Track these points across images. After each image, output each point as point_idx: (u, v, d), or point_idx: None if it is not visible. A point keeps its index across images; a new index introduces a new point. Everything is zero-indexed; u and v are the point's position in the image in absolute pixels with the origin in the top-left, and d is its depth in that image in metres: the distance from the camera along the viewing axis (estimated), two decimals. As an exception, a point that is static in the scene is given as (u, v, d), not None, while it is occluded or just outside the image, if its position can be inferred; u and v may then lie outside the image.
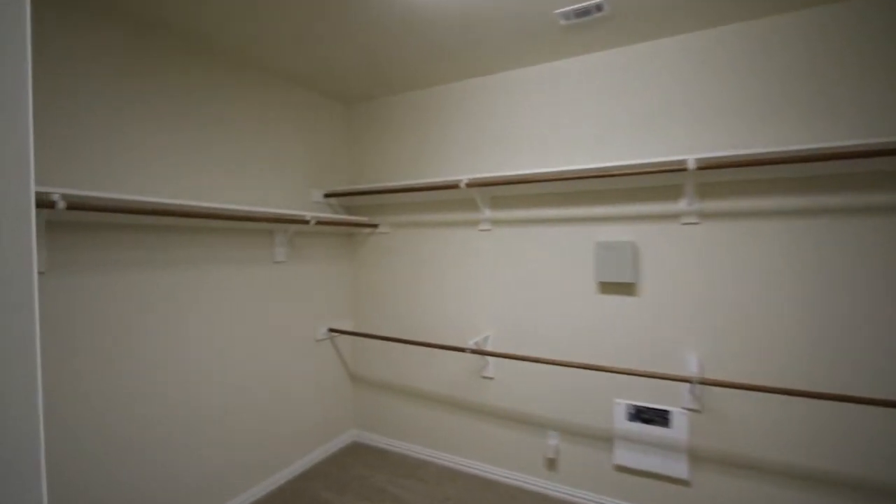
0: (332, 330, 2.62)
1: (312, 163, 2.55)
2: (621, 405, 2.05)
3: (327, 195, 2.59)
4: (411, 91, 2.57)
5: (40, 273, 1.47)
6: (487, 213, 2.33)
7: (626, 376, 2.02)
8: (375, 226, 2.69)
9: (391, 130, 2.66)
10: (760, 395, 1.78)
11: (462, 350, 2.18)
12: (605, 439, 2.09)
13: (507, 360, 2.28)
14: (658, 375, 1.79)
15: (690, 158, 1.66)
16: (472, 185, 2.10)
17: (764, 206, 1.76)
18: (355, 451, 2.69)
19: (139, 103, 1.75)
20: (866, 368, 1.63)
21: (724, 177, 1.79)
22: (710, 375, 1.86)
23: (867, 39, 1.60)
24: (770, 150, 1.55)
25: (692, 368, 1.87)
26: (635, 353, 2.02)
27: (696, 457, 1.91)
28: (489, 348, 2.34)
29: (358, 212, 2.80)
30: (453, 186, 2.13)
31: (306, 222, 2.17)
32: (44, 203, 1.30)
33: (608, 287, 2.06)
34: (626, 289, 2.03)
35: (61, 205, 1.31)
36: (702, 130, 1.85)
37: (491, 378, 2.37)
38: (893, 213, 1.57)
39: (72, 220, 1.54)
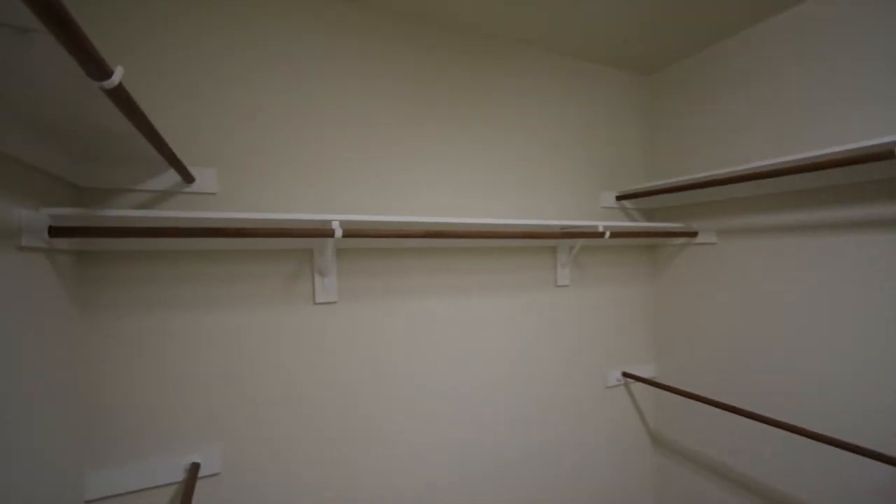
0: (627, 375, 1.97)
1: (600, 157, 1.99)
2: None
3: (621, 196, 1.98)
4: (732, 35, 1.68)
5: (332, 303, 1.43)
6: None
7: None
8: (693, 234, 1.89)
9: (704, 100, 1.82)
10: None
11: (882, 458, 1.16)
12: None
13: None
14: None
15: None
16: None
17: None
18: (663, 548, 1.93)
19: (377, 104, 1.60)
20: None
21: None
22: None
23: None
24: None
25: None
26: None
27: None
28: (959, 463, 1.20)
29: (661, 216, 2.07)
30: (879, 155, 1.16)
31: (600, 235, 1.61)
32: (324, 232, 1.20)
33: None
34: None
35: (339, 232, 1.19)
36: None
37: None
38: None
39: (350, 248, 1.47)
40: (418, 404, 1.58)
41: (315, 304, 1.41)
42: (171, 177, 1.24)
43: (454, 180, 1.66)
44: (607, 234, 1.61)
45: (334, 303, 1.45)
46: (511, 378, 1.75)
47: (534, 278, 1.80)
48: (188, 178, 1.22)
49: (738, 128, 1.74)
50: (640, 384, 2.06)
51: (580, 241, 1.73)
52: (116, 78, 0.64)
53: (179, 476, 1.24)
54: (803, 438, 1.52)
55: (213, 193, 1.30)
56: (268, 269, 1.36)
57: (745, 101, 1.71)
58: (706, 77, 1.85)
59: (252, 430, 1.33)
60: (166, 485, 1.24)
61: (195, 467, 1.23)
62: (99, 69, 0.60)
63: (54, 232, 0.94)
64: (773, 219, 1.62)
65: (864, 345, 1.39)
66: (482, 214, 1.71)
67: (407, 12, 1.55)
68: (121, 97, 0.69)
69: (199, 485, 1.27)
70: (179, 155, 1.26)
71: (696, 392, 1.88)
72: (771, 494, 1.65)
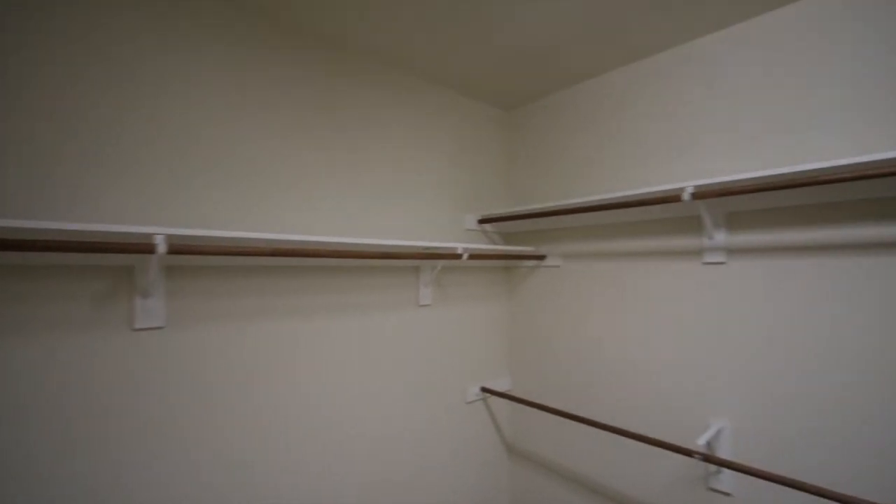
0: (485, 390, 2.07)
1: (465, 182, 2.10)
2: None
3: (483, 220, 2.10)
4: (588, 79, 1.94)
5: (158, 328, 1.24)
6: (720, 237, 1.53)
7: None
8: (542, 257, 2.09)
9: (558, 135, 2.06)
10: None
11: (686, 453, 1.40)
12: None
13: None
14: None
15: None
16: (703, 195, 1.35)
17: None
18: (515, 553, 2.04)
19: (252, 115, 1.51)
20: None
21: None
22: None
23: None
24: None
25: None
26: None
27: None
28: (724, 449, 1.50)
29: (517, 240, 2.25)
30: (671, 199, 1.41)
31: (458, 256, 1.68)
32: (144, 247, 1.04)
33: None
34: None
35: (162, 248, 1.04)
36: None
37: (726, 494, 1.51)
38: None
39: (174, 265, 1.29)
40: (271, 434, 1.44)
41: (133, 329, 1.21)
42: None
43: (321, 199, 1.59)
44: (465, 255, 1.69)
45: (160, 328, 1.25)
46: (375, 397, 1.71)
47: (397, 298, 1.80)
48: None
49: (585, 163, 1.98)
50: (497, 398, 2.18)
51: (441, 262, 1.78)
52: None
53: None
54: (628, 440, 1.75)
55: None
56: (73, 289, 1.13)
57: (588, 142, 1.96)
58: (558, 116, 2.08)
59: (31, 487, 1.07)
60: None
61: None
62: None
63: None
64: (606, 245, 1.87)
65: (674, 351, 1.66)
66: (346, 233, 1.66)
67: (267, 21, 1.47)
68: None
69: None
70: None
71: (545, 402, 2.05)
72: (607, 492, 1.86)
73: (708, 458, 1.36)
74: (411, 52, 1.71)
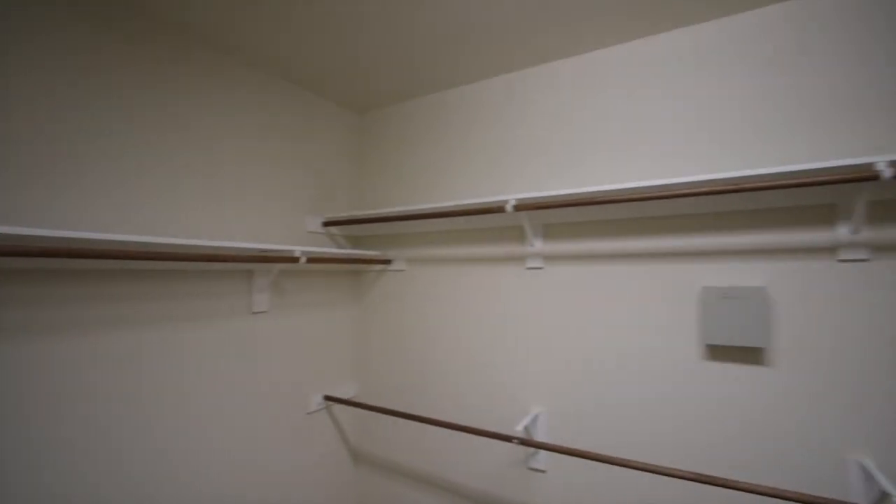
0: (328, 398, 2.00)
1: (310, 183, 2.01)
2: (745, 528, 1.38)
3: (327, 223, 2.03)
4: (441, 91, 2.04)
5: None
6: (539, 245, 1.74)
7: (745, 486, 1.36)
8: (388, 262, 2.11)
9: (410, 142, 2.12)
10: None
11: (506, 439, 1.55)
12: (722, 578, 1.41)
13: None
14: (809, 499, 1.14)
15: (882, 161, 1.07)
16: (524, 207, 1.52)
17: None
18: (357, 562, 2.01)
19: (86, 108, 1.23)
20: None
21: (913, 191, 1.19)
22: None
23: None
24: None
25: (866, 481, 1.21)
26: (767, 453, 1.36)
27: None
28: (540, 432, 1.70)
29: (367, 244, 2.23)
30: (496, 209, 1.56)
31: (295, 260, 1.59)
32: None
33: (722, 353, 1.44)
34: (750, 356, 1.40)
35: None
36: (870, 127, 1.27)
37: (542, 471, 1.72)
38: None
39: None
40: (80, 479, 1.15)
41: None
42: None
43: (146, 197, 1.34)
44: (304, 259, 1.61)
45: None
46: (206, 417, 1.50)
47: (226, 305, 1.63)
48: None
49: (434, 171, 2.06)
50: (341, 405, 2.12)
51: (278, 266, 1.67)
52: None
53: None
54: (461, 433, 1.86)
55: None
56: None
57: (443, 149, 2.05)
58: (410, 123, 2.13)
59: None
60: None
61: None
62: None
63: None
64: (446, 251, 1.97)
65: (501, 348, 1.82)
66: (173, 234, 1.44)
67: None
68: None
69: None
70: None
71: (392, 405, 2.07)
72: (446, 485, 1.94)
73: (524, 442, 1.52)
74: (258, 45, 1.57)
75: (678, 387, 1.49)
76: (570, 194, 1.47)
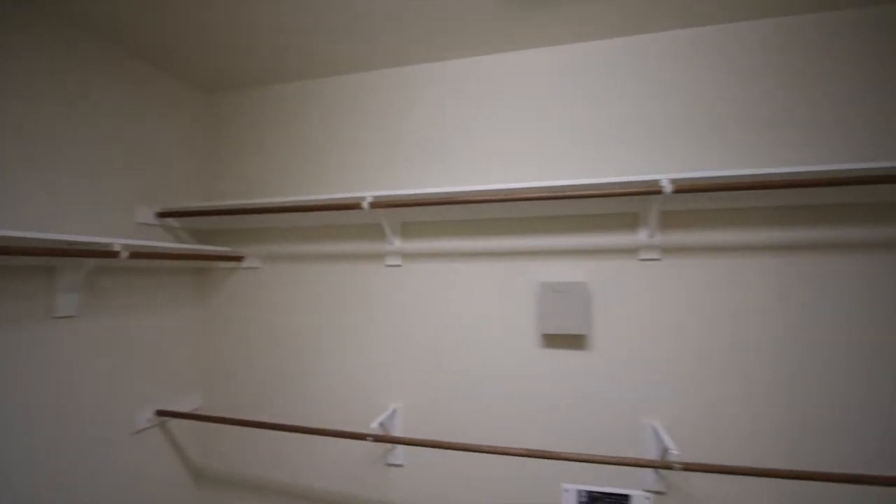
0: (161, 413, 1.76)
1: (147, 170, 1.74)
2: (570, 492, 1.58)
3: (164, 214, 1.79)
4: (301, 80, 1.94)
5: None
6: (397, 243, 1.76)
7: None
8: (239, 258, 1.94)
9: (266, 131, 1.98)
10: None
11: (361, 437, 1.53)
12: (552, 540, 1.60)
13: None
14: (621, 461, 1.36)
15: (665, 179, 1.31)
16: (379, 205, 1.53)
17: (737, 240, 1.49)
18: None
19: None
20: (859, 435, 1.39)
21: (690, 204, 1.49)
22: (678, 445, 1.49)
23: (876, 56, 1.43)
24: (766, 171, 1.27)
25: (657, 441, 1.49)
26: (588, 425, 1.58)
27: (665, 555, 1.51)
28: (398, 427, 1.73)
29: (217, 239, 2.02)
30: (352, 206, 1.54)
31: (113, 254, 1.37)
32: None
33: (554, 341, 1.62)
34: (575, 342, 1.60)
35: None
36: (668, 150, 1.56)
37: (399, 465, 1.75)
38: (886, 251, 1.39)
39: None
40: None
41: None
42: None
43: None
44: (125, 253, 1.39)
45: None
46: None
47: (23, 309, 1.32)
48: None
49: (295, 164, 1.94)
50: (180, 420, 1.89)
51: (93, 261, 1.42)
52: None
53: None
54: (323, 438, 1.79)
55: None
56: None
57: (301, 141, 1.94)
58: (271, 109, 1.98)
59: None
60: None
61: None
62: None
63: None
64: (305, 248, 1.88)
65: (362, 346, 1.80)
66: None
67: None
68: None
69: None
70: None
71: (245, 414, 1.91)
72: (304, 492, 1.85)
73: (378, 439, 1.53)
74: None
75: (520, 373, 1.64)
76: (423, 194, 1.52)
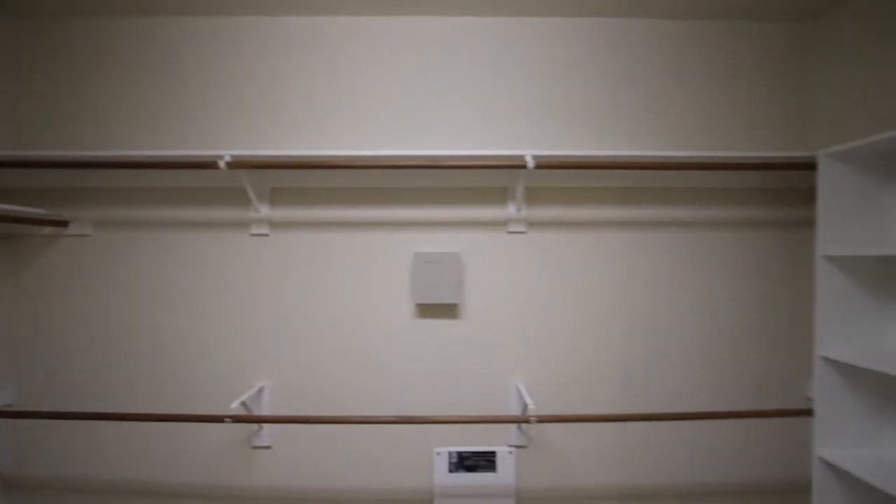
0: (-50, 413, 1.41)
1: None
2: (442, 455, 1.65)
3: (-55, 164, 1.40)
4: (150, 15, 1.64)
5: None
6: (264, 210, 1.62)
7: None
8: (63, 223, 1.62)
9: (108, 68, 1.65)
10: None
11: (218, 420, 1.40)
12: (424, 501, 1.65)
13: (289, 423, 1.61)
14: (484, 419, 1.47)
15: (529, 154, 1.39)
16: (240, 165, 1.38)
17: (593, 216, 1.65)
18: None
19: None
20: (693, 381, 1.66)
21: (554, 181, 1.60)
22: (539, 403, 1.64)
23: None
24: (619, 153, 1.41)
25: (520, 400, 1.61)
26: (461, 390, 1.65)
27: (525, 498, 1.65)
28: (265, 407, 1.62)
29: (28, 199, 1.65)
30: (207, 165, 1.37)
31: None
32: None
33: (428, 310, 1.65)
34: (448, 311, 1.65)
35: None
36: (537, 129, 1.64)
37: (267, 447, 1.64)
38: (725, 229, 1.66)
39: None
40: None
41: None
42: None
43: None
44: None
45: None
46: None
47: None
48: None
49: (134, 110, 1.65)
50: (-18, 419, 1.54)
51: None
52: None
53: None
54: (173, 425, 1.60)
55: None
56: None
57: (139, 87, 1.65)
58: (107, 42, 1.65)
59: None
60: None
61: None
62: None
63: None
64: (151, 213, 1.64)
65: (223, 322, 1.63)
66: None
67: None
68: None
69: None
70: None
71: (80, 406, 1.62)
72: (160, 489, 1.64)
73: (238, 419, 1.42)
74: None
75: (395, 344, 1.64)
76: (290, 156, 1.41)
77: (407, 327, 1.64)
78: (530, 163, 1.38)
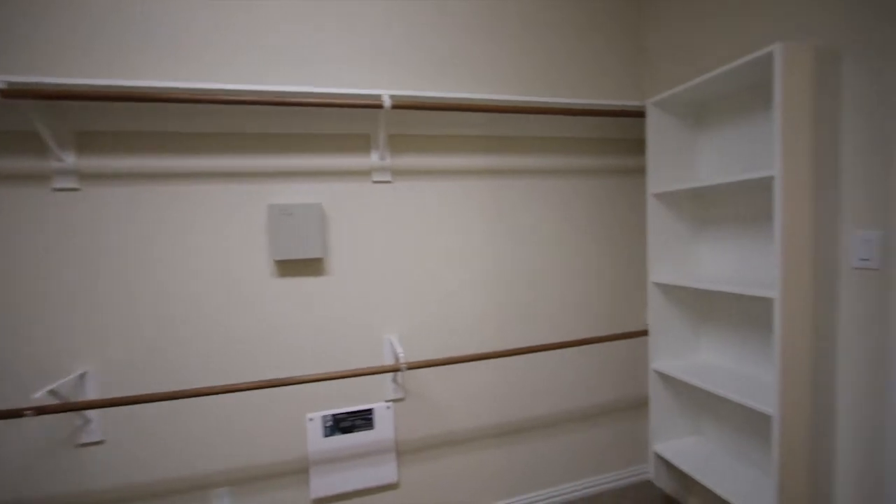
0: None
1: None
2: (316, 420, 1.56)
3: None
4: None
5: None
6: (70, 159, 1.32)
7: (320, 382, 1.53)
8: None
9: None
10: (460, 365, 1.68)
11: (17, 414, 1.13)
12: (299, 471, 1.55)
13: (125, 408, 1.38)
14: (357, 373, 1.40)
15: (386, 94, 1.32)
16: (21, 94, 1.09)
17: (456, 165, 1.64)
18: None
19: None
20: (555, 318, 1.77)
21: (417, 128, 1.56)
22: (414, 354, 1.62)
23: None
24: (469, 95, 1.40)
25: (394, 352, 1.58)
26: (331, 349, 1.56)
27: (404, 451, 1.64)
28: (91, 393, 1.36)
29: None
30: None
31: None
32: None
33: (289, 267, 1.51)
34: (312, 267, 1.53)
35: None
36: (400, 73, 1.57)
37: (99, 443, 1.39)
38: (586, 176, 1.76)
39: None
40: None
41: None
42: None
43: None
44: None
45: None
46: None
47: None
48: None
49: None
50: None
51: None
52: None
53: None
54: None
55: None
56: None
57: None
58: None
59: None
60: None
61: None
62: None
63: None
64: None
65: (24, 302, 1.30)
66: None
67: None
68: None
69: None
70: None
71: None
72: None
73: (42, 410, 1.16)
74: None
75: (254, 307, 1.48)
76: (100, 86, 1.15)
77: (266, 287, 1.49)
78: (387, 102, 1.31)
